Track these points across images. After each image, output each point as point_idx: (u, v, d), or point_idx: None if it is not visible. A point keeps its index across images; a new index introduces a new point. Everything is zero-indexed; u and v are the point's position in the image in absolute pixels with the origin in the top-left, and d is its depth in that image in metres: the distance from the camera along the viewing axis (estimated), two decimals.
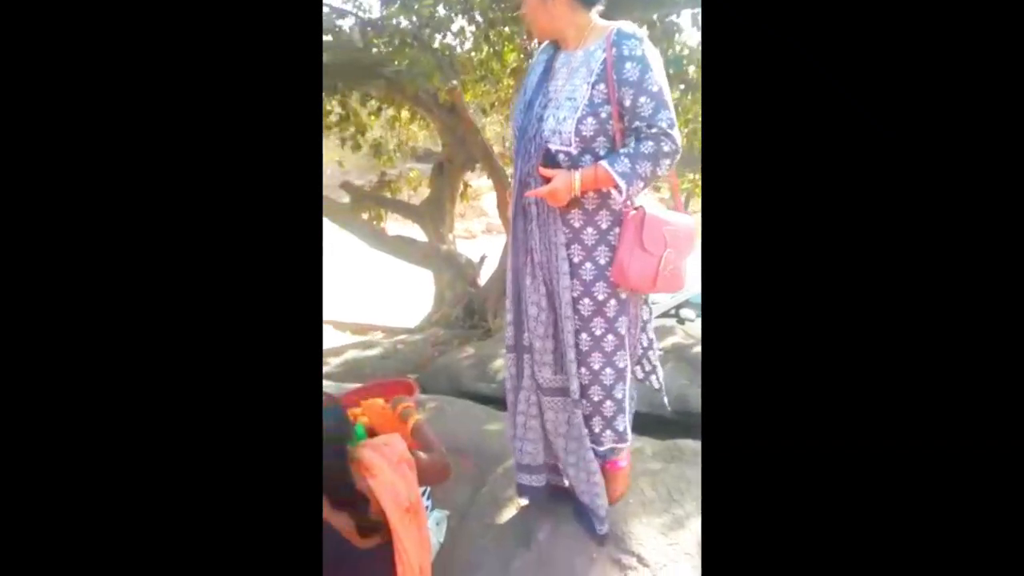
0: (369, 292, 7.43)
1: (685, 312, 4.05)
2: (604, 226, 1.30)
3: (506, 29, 3.74)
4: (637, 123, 1.22)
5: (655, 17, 3.68)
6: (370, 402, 2.41)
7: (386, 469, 1.17)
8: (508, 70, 4.27)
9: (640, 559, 1.39)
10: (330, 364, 3.76)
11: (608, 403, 1.38)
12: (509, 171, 4.35)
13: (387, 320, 6.27)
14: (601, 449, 1.42)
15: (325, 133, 4.49)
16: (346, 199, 5.64)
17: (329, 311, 2.49)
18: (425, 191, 5.86)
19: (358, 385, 2.34)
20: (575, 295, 1.32)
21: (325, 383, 2.68)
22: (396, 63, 3.30)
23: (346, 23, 3.88)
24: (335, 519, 1.11)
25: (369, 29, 3.66)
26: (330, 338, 5.25)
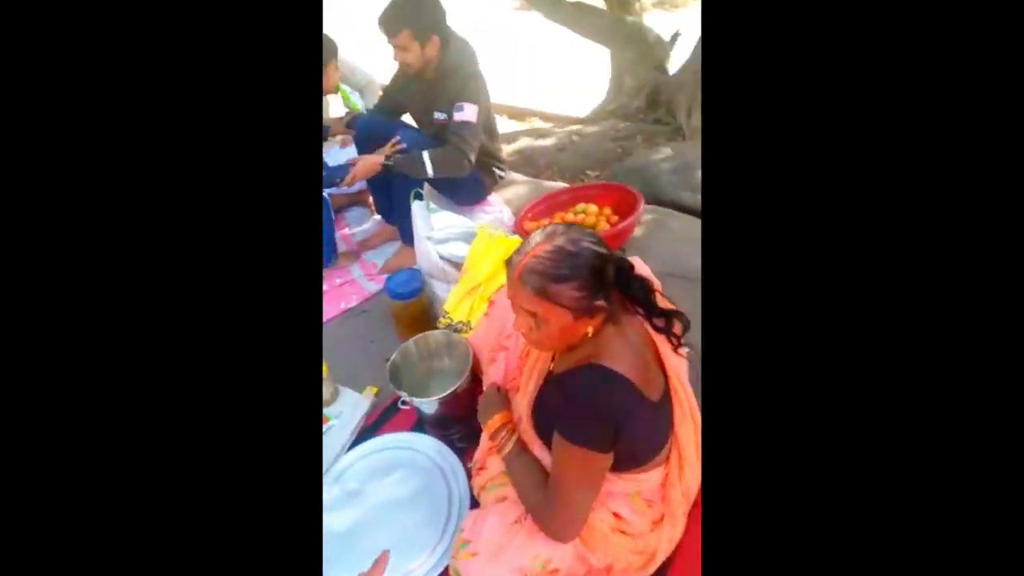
0: (533, 73, 6.21)
1: None
2: None
3: None
4: None
5: None
6: (584, 207, 2.32)
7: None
8: None
9: None
10: (503, 151, 3.58)
11: None
12: None
13: (550, 107, 5.32)
14: None
15: None
16: None
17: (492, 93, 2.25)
18: None
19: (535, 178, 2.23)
20: None
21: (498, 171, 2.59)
22: None
23: None
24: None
25: None
26: (502, 125, 4.87)
